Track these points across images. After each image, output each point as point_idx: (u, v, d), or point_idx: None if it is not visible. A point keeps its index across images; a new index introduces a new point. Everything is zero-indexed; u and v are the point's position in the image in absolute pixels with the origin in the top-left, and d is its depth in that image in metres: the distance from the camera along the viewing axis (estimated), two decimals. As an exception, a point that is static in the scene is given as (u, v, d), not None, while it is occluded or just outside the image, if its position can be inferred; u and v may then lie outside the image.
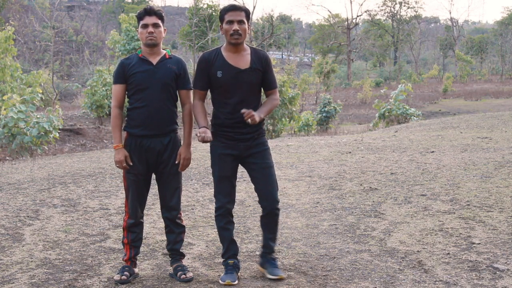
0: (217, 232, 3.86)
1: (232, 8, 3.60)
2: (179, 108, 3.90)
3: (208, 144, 3.69)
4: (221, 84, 3.60)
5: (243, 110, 3.49)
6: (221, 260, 3.82)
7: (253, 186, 3.79)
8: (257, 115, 3.49)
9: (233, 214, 3.79)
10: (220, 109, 3.65)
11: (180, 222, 3.85)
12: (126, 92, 3.73)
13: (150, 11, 3.67)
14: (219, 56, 3.63)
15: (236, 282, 3.60)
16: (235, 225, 4.94)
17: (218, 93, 3.66)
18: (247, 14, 3.63)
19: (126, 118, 3.76)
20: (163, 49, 3.78)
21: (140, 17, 3.70)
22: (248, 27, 3.64)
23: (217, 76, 3.59)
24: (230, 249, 3.73)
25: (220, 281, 3.60)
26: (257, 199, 3.81)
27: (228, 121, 3.63)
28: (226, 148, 3.65)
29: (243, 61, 3.63)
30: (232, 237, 3.74)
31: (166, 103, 3.69)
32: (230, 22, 3.56)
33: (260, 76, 3.67)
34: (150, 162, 3.72)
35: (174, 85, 3.73)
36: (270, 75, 3.72)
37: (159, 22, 3.69)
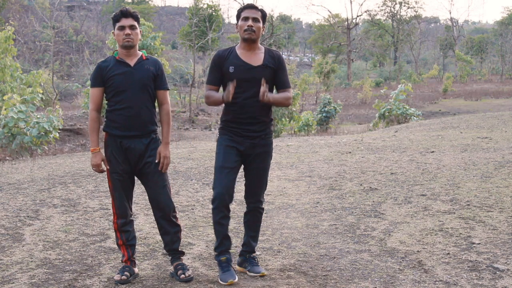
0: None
1: (249, 6, 3.67)
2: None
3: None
4: (232, 79, 3.60)
5: (262, 87, 3.51)
6: (214, 253, 3.82)
7: (244, 180, 3.86)
8: (269, 96, 3.54)
9: (231, 209, 3.77)
10: (230, 106, 3.66)
11: (175, 221, 3.81)
12: (104, 95, 3.74)
13: (126, 13, 3.67)
14: (232, 53, 3.68)
15: (236, 278, 3.60)
16: (235, 225, 4.96)
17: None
18: (263, 14, 3.69)
19: (105, 120, 3.76)
20: (139, 50, 3.80)
21: (116, 19, 3.69)
22: (263, 28, 3.67)
23: (229, 71, 3.63)
24: (223, 244, 3.72)
25: (220, 281, 3.59)
26: None
27: (237, 118, 3.66)
28: (232, 142, 3.69)
29: (256, 58, 3.67)
30: (227, 233, 3.72)
31: (145, 104, 3.70)
32: (246, 18, 3.62)
33: (272, 74, 3.69)
34: (132, 162, 3.71)
35: (153, 85, 3.75)
36: (282, 74, 3.72)
37: (136, 24, 3.69)
